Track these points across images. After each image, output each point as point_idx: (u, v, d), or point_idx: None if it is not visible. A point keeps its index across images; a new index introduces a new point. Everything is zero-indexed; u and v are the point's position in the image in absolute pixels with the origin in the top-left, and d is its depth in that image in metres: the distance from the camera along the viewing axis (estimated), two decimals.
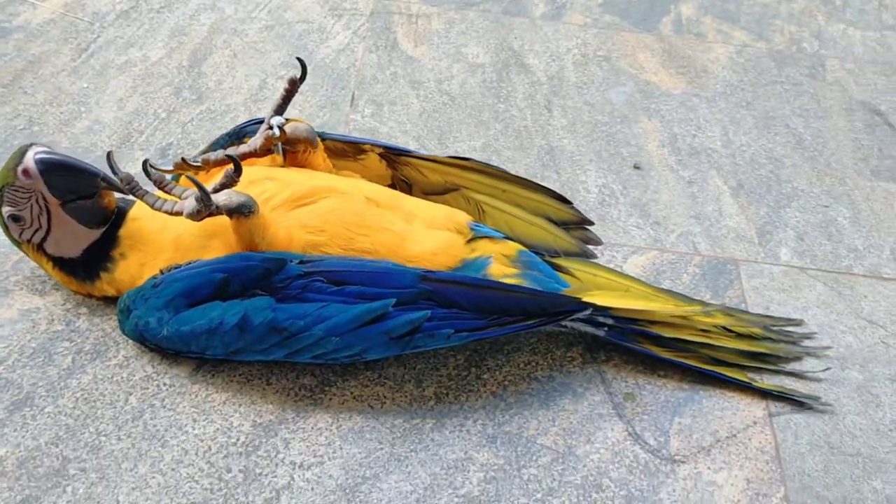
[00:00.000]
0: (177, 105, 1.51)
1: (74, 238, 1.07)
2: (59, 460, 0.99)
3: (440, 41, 1.73)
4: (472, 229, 1.13)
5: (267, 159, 1.15)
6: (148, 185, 1.05)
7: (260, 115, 1.42)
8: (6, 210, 1.04)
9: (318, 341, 0.99)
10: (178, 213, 0.99)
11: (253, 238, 1.02)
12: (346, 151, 1.20)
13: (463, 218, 1.14)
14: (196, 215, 0.98)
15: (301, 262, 1.00)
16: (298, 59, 1.09)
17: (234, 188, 1.01)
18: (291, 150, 1.13)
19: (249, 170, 1.08)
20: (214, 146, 1.18)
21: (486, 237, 1.14)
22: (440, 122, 1.55)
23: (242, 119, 1.47)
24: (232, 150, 1.12)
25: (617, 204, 1.42)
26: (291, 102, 1.13)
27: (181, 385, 1.08)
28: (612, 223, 1.37)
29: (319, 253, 1.04)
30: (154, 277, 1.04)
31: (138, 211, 1.09)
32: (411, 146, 1.46)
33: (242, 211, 0.99)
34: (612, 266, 1.26)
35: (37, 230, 1.06)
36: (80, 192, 1.03)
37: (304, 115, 1.52)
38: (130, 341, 1.11)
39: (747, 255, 1.32)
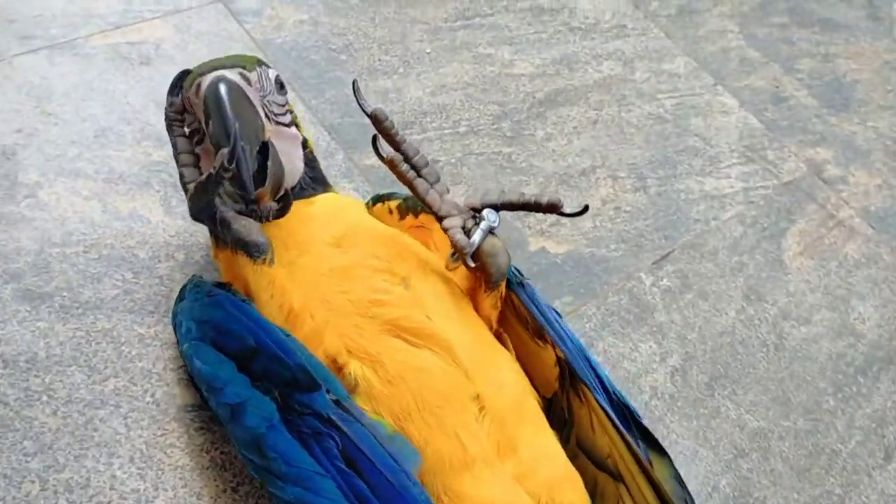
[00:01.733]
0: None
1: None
2: None
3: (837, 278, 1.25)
4: None
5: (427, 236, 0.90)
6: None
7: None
8: (169, 110, 0.90)
9: (288, 502, 0.74)
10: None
11: (252, 287, 0.80)
12: (524, 320, 0.90)
13: (577, 497, 0.79)
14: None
15: (335, 401, 0.73)
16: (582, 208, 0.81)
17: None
18: (458, 263, 0.84)
19: (397, 256, 0.84)
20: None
21: None
22: None
23: None
24: (417, 185, 0.84)
25: None
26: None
27: (164, 412, 0.91)
28: None
29: (361, 382, 0.77)
30: (218, 284, 0.84)
31: (315, 208, 0.90)
32: None
33: (251, 250, 0.79)
34: None
35: (182, 160, 0.90)
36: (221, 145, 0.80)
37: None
38: None
39: None
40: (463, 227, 0.81)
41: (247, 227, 0.79)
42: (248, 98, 0.82)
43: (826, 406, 1.10)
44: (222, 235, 0.82)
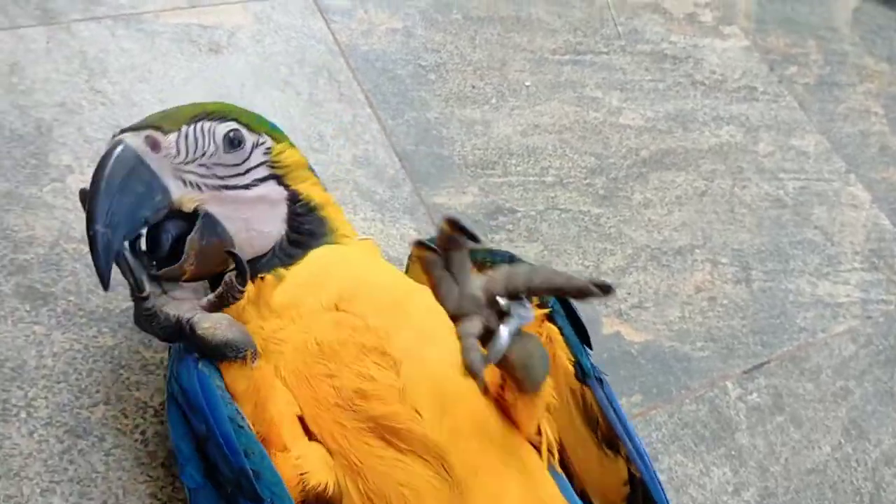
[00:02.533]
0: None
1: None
2: None
3: None
4: None
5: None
6: None
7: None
8: None
9: None
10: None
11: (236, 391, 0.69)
12: (594, 422, 0.77)
13: None
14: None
15: None
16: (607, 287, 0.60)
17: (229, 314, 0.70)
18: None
19: (392, 307, 0.73)
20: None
21: None
22: None
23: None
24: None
25: None
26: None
27: (150, 453, 0.79)
28: None
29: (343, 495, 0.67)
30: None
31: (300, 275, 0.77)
32: None
33: (225, 353, 0.67)
34: None
35: None
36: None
37: None
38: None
39: None
40: (483, 332, 0.64)
41: (212, 329, 0.67)
42: (145, 167, 0.70)
43: None
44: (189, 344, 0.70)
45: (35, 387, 0.81)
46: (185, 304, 0.71)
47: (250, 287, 0.73)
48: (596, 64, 1.30)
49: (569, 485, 0.75)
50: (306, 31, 1.17)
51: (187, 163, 0.72)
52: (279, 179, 0.77)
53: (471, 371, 0.60)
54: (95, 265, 0.67)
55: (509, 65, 1.25)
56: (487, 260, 0.78)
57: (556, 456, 0.73)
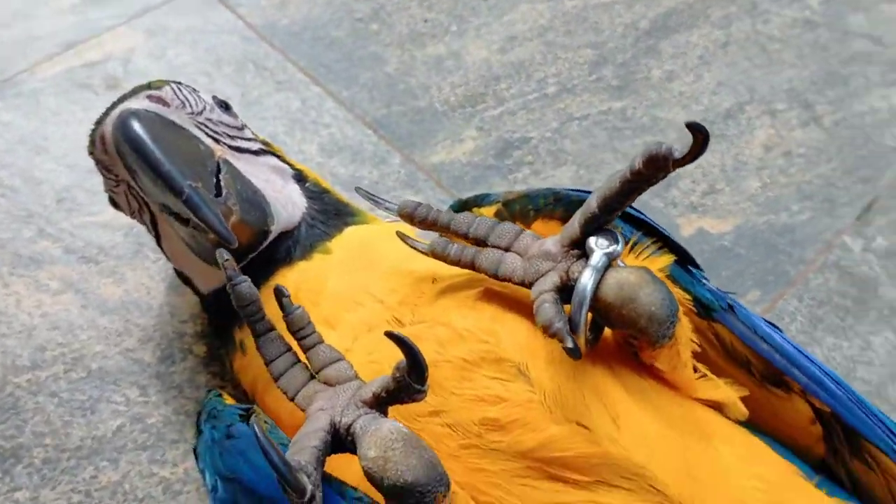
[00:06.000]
0: (580, 80, 0.97)
1: (194, 266, 0.62)
2: None
3: None
4: None
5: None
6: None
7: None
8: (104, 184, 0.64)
9: None
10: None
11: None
12: (743, 360, 0.58)
13: None
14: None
15: None
16: (693, 126, 0.45)
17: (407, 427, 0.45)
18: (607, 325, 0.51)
19: (490, 329, 0.52)
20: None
21: None
22: None
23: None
24: (481, 262, 0.54)
25: None
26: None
27: None
28: None
29: None
30: (241, 413, 0.54)
31: (322, 267, 0.61)
32: None
33: (404, 498, 0.43)
34: None
35: (148, 229, 0.64)
36: (170, 206, 0.57)
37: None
38: None
39: None
40: (559, 288, 0.49)
41: (382, 462, 0.43)
42: (171, 122, 0.58)
43: None
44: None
45: None
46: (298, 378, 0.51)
47: (299, 273, 0.59)
48: None
49: (766, 436, 0.56)
50: (211, 27, 0.96)
51: (197, 114, 0.61)
52: (280, 158, 0.66)
53: (550, 332, 0.46)
54: (208, 224, 0.54)
55: None
56: (530, 207, 0.60)
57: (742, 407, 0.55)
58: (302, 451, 0.45)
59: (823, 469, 0.58)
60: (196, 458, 0.58)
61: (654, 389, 0.53)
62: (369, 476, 0.43)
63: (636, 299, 0.47)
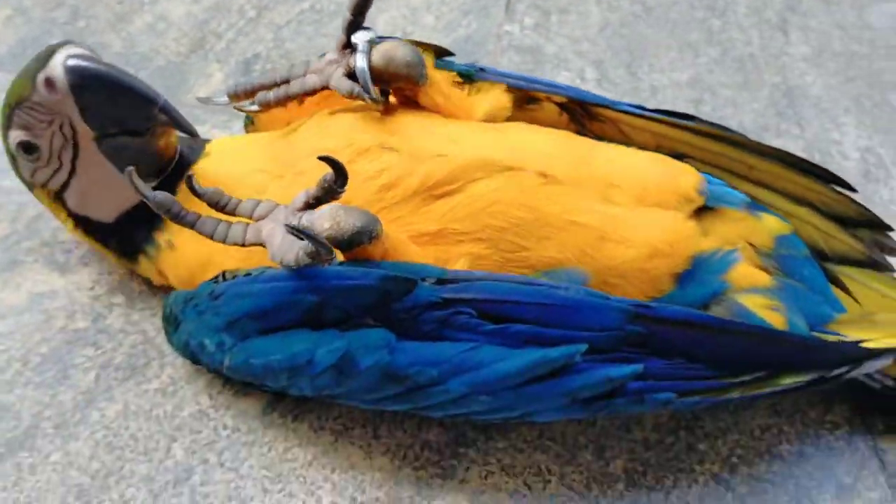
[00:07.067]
0: (270, 1, 1.15)
1: (107, 193, 0.74)
2: None
3: None
4: (703, 193, 0.73)
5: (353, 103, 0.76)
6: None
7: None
8: (15, 135, 0.72)
9: (459, 399, 0.65)
10: (258, 244, 0.65)
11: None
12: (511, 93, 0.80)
13: (690, 180, 0.74)
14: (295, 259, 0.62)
15: (439, 282, 0.63)
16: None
17: (337, 202, 0.64)
18: (386, 86, 0.74)
19: (349, 130, 0.72)
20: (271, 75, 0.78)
21: (725, 206, 0.74)
22: (630, 42, 1.11)
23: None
24: (292, 88, 0.75)
25: (890, 179, 0.97)
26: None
27: (248, 430, 0.75)
28: (883, 207, 0.91)
29: (470, 269, 0.68)
30: (213, 281, 0.69)
31: (212, 165, 0.75)
32: (588, 75, 1.07)
33: (360, 240, 0.62)
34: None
35: (56, 171, 0.73)
36: (125, 124, 0.69)
37: (441, 24, 1.11)
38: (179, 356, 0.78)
39: None
40: (348, 76, 0.73)
41: (335, 224, 0.62)
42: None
43: None
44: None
45: None
46: (237, 226, 0.65)
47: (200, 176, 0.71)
48: None
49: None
50: None
51: None
52: None
53: (354, 94, 0.71)
54: (179, 127, 0.71)
55: None
56: None
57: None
58: (291, 248, 0.62)
59: None
60: (184, 347, 0.73)
61: (450, 119, 0.76)
62: (333, 241, 0.62)
63: (395, 57, 0.71)
